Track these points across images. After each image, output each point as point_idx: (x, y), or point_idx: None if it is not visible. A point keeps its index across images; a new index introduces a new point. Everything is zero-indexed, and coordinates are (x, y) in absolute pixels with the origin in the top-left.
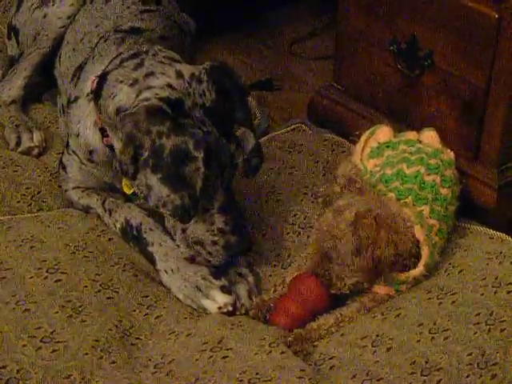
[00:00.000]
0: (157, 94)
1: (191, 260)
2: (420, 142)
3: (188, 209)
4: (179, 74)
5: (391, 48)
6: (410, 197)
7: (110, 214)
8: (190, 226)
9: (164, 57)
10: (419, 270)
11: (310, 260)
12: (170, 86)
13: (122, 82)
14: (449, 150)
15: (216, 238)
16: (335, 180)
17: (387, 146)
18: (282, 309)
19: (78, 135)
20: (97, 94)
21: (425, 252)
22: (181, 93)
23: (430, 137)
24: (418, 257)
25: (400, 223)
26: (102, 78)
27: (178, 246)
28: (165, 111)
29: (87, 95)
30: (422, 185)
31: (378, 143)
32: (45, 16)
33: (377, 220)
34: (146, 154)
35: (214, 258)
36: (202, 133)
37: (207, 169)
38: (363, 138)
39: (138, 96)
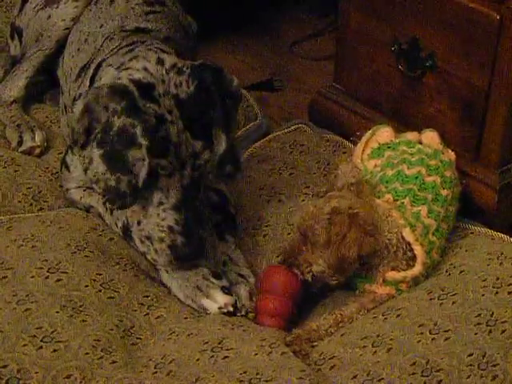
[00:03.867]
0: (130, 75)
1: (144, 257)
2: (420, 142)
3: (124, 194)
4: (160, 61)
5: (392, 49)
6: (407, 197)
7: (112, 213)
8: (144, 219)
9: (156, 47)
10: (417, 269)
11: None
12: (145, 69)
13: (110, 65)
14: (450, 151)
15: (163, 235)
16: (335, 181)
17: (388, 147)
18: (262, 309)
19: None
20: (91, 80)
21: (419, 251)
22: (154, 78)
23: (430, 137)
24: (412, 258)
25: (375, 227)
26: (98, 66)
27: (133, 239)
28: (129, 92)
29: (89, 87)
30: (423, 185)
31: (379, 144)
32: (48, 17)
33: (351, 218)
34: (99, 128)
35: (160, 257)
36: (163, 124)
37: (156, 158)
38: (364, 139)
39: (118, 75)
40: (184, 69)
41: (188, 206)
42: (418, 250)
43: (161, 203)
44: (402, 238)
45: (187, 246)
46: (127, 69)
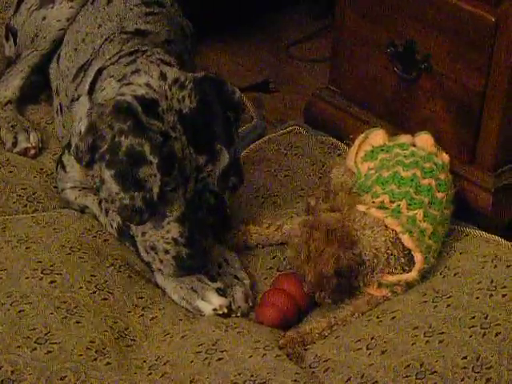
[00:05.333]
0: (133, 91)
1: (148, 266)
2: (414, 145)
3: (140, 211)
4: (162, 76)
5: (388, 51)
6: (404, 200)
7: (107, 214)
8: (149, 231)
9: (158, 58)
10: (411, 275)
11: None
12: (148, 85)
13: (112, 76)
14: (444, 154)
15: (168, 247)
16: (328, 184)
17: (381, 150)
18: (269, 302)
19: (80, 133)
20: (91, 88)
21: (418, 259)
22: (158, 94)
23: (424, 140)
24: (408, 263)
25: (355, 240)
26: (99, 73)
27: (138, 249)
28: (133, 109)
29: (88, 93)
30: (418, 188)
31: (372, 146)
32: (44, 18)
33: (328, 234)
34: (105, 147)
35: (165, 267)
36: (167, 140)
37: (165, 175)
38: (357, 142)
39: (119, 90)
40: (186, 83)
41: (191, 218)
42: (418, 256)
43: (165, 216)
44: (400, 244)
45: (192, 258)
46: (129, 84)
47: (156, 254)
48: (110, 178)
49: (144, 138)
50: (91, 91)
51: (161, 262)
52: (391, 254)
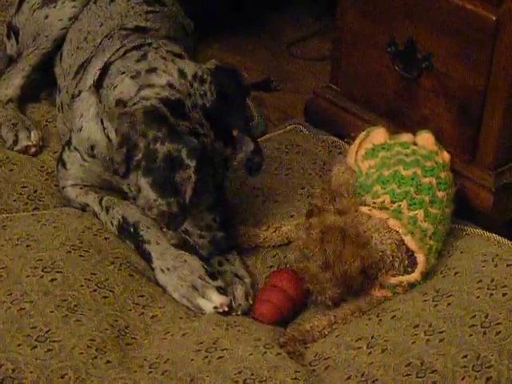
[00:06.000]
0: (157, 94)
1: (179, 246)
2: (415, 144)
3: (176, 215)
4: (182, 74)
5: (389, 50)
6: (404, 200)
7: (107, 212)
8: None
9: (167, 51)
10: (414, 276)
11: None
12: (171, 85)
13: (123, 73)
14: (445, 153)
15: (203, 233)
16: (329, 183)
17: (382, 148)
18: (264, 298)
19: (80, 129)
20: (99, 84)
21: (421, 260)
22: (181, 93)
23: (425, 139)
24: (411, 265)
25: (368, 238)
26: (105, 68)
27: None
28: (162, 115)
29: (89, 88)
30: (419, 187)
31: (373, 145)
32: (46, 17)
33: (343, 235)
34: (140, 155)
35: (201, 248)
36: (198, 138)
37: (198, 174)
38: (358, 140)
39: (139, 91)
40: (205, 76)
41: (221, 203)
42: (420, 258)
43: (197, 205)
44: (403, 245)
45: (226, 239)
46: (150, 86)
47: (190, 237)
48: (147, 185)
49: (180, 143)
50: (98, 87)
51: (197, 244)
52: (396, 257)
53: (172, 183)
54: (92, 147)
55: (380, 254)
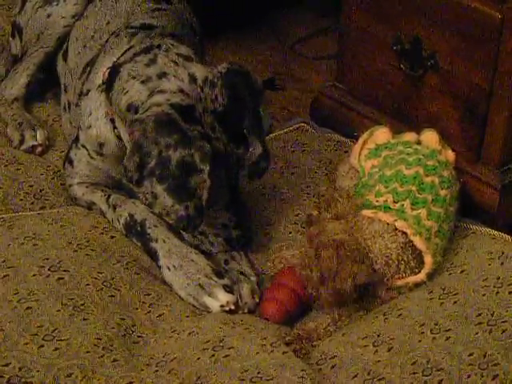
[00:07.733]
0: (168, 100)
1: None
2: (419, 143)
3: (192, 219)
4: (192, 78)
5: (394, 48)
6: (407, 199)
7: (114, 210)
8: None
9: (177, 54)
10: (420, 277)
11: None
12: (182, 91)
13: (134, 77)
14: (449, 151)
15: (219, 232)
16: (334, 183)
17: (385, 147)
18: (271, 297)
19: (89, 127)
20: (108, 86)
21: (428, 261)
22: (193, 98)
23: (429, 138)
24: (417, 266)
25: (366, 250)
26: (114, 71)
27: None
28: (174, 121)
29: (98, 87)
30: (422, 185)
31: (376, 144)
32: (49, 15)
33: (338, 251)
34: (153, 162)
35: (215, 247)
36: (210, 142)
37: (212, 178)
38: (361, 140)
39: (149, 96)
40: (215, 80)
41: (235, 201)
42: (428, 258)
43: (212, 205)
44: (410, 246)
45: (241, 237)
46: (161, 92)
47: (205, 237)
48: (162, 192)
49: (193, 148)
50: (108, 89)
51: (211, 244)
52: (402, 260)
53: (187, 188)
54: (101, 145)
55: (385, 259)
